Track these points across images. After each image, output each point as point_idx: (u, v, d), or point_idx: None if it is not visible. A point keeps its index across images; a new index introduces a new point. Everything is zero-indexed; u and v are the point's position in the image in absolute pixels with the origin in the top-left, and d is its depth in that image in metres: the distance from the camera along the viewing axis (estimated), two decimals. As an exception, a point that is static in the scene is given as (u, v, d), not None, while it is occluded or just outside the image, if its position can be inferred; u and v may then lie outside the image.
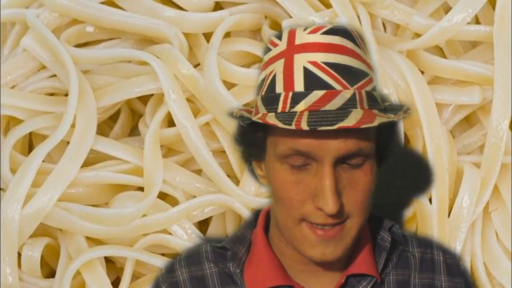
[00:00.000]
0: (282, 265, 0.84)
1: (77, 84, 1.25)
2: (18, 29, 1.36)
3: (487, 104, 1.33)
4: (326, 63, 0.74)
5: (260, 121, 0.74)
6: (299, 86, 0.73)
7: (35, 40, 1.31)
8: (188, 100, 1.29)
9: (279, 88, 0.75)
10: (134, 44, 1.37)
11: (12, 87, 1.33)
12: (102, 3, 1.32)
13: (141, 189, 1.30)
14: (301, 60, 0.74)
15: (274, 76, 0.76)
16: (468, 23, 1.31)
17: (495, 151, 1.29)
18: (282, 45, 0.77)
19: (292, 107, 0.73)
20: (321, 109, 0.72)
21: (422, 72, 1.34)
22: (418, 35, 1.34)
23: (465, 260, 1.28)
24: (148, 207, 1.25)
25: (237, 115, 0.80)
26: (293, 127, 0.70)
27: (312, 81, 0.73)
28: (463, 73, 1.33)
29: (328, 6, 1.32)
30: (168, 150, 1.34)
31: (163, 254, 1.28)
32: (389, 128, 0.81)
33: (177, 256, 0.91)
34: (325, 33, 0.75)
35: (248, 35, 1.38)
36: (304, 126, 0.69)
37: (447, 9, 1.35)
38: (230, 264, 0.86)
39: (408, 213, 1.29)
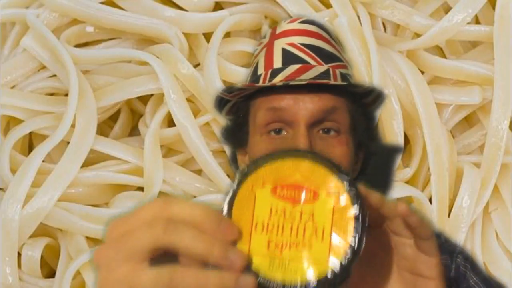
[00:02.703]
0: None
1: (77, 84, 1.25)
2: (18, 29, 1.36)
3: (487, 104, 1.33)
4: (303, 44, 0.78)
5: (242, 86, 0.79)
6: (277, 64, 0.78)
7: (35, 40, 1.31)
8: (188, 100, 1.29)
9: (260, 70, 0.79)
10: (134, 44, 1.37)
11: (12, 87, 1.33)
12: (102, 3, 1.32)
13: (141, 189, 1.30)
14: (280, 44, 0.79)
15: (257, 63, 0.81)
16: (468, 23, 1.31)
17: (495, 151, 1.29)
18: (266, 40, 0.83)
19: (270, 80, 0.77)
20: (296, 79, 0.75)
21: (422, 72, 1.34)
22: (418, 35, 1.34)
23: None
24: (148, 207, 1.25)
25: (221, 94, 0.82)
26: (267, 83, 0.75)
27: (289, 58, 0.77)
28: (463, 73, 1.33)
29: (328, 6, 1.32)
30: (168, 150, 1.34)
31: (163, 254, 1.28)
32: (364, 116, 0.82)
33: None
34: (303, 22, 0.81)
35: (248, 35, 1.38)
36: (278, 79, 0.74)
37: (447, 9, 1.35)
38: None
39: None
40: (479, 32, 1.34)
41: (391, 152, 1.26)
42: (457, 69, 1.34)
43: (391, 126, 1.29)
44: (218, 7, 1.37)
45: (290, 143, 0.75)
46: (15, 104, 1.30)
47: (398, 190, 1.28)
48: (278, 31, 0.81)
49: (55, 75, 1.34)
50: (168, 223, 0.43)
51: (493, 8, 1.32)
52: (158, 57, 1.30)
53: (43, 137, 1.30)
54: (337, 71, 0.77)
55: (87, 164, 1.28)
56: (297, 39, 0.79)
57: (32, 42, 1.31)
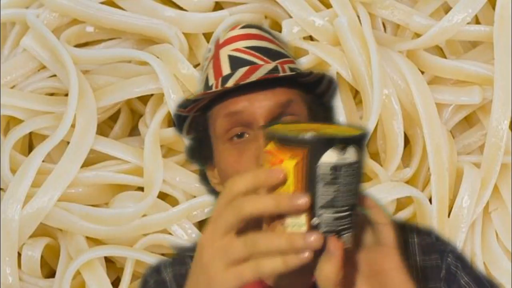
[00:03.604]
0: None
1: (77, 84, 1.25)
2: (18, 29, 1.36)
3: (487, 104, 1.33)
4: (247, 47, 0.79)
5: (195, 97, 0.78)
6: (226, 71, 0.78)
7: (35, 40, 1.31)
8: (188, 100, 1.29)
9: (211, 81, 0.79)
10: (134, 44, 1.37)
11: (12, 87, 1.33)
12: (102, 3, 1.32)
13: (141, 189, 1.30)
14: (226, 51, 0.79)
15: (207, 76, 0.81)
16: (468, 23, 1.31)
17: (495, 151, 1.30)
18: (211, 53, 0.83)
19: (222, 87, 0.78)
20: (246, 81, 0.76)
21: (422, 72, 1.34)
22: (418, 35, 1.34)
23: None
24: (148, 207, 1.25)
25: (176, 113, 0.82)
26: (220, 88, 0.75)
27: (236, 63, 0.78)
28: (463, 73, 1.33)
29: (328, 6, 1.32)
30: (168, 150, 1.34)
31: (163, 254, 1.28)
32: (321, 106, 0.83)
33: (162, 260, 0.91)
34: (244, 27, 0.82)
35: (248, 35, 1.38)
36: (230, 84, 0.74)
37: (447, 9, 1.35)
38: None
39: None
40: (479, 32, 1.34)
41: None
42: (457, 69, 1.34)
43: (391, 126, 1.29)
44: (218, 7, 1.37)
45: (253, 144, 0.74)
46: (15, 104, 1.30)
47: (398, 190, 1.28)
48: (221, 40, 0.81)
49: (55, 75, 1.34)
50: (237, 203, 0.54)
51: (493, 8, 1.32)
52: (158, 57, 1.30)
53: (43, 137, 1.30)
54: (286, 66, 0.78)
55: (87, 164, 1.28)
56: (242, 44, 0.79)
57: (32, 42, 1.31)
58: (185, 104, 0.78)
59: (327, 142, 0.53)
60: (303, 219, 0.54)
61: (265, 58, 0.78)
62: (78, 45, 1.35)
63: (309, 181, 0.54)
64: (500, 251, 1.32)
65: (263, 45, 0.79)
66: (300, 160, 0.54)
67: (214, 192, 0.83)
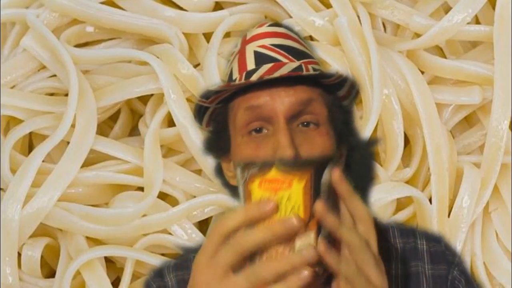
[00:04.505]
0: None
1: (77, 84, 1.25)
2: (18, 29, 1.36)
3: (487, 104, 1.33)
4: (273, 45, 0.81)
5: (218, 88, 0.79)
6: (250, 66, 0.79)
7: (35, 40, 1.31)
8: (188, 100, 1.29)
9: (235, 74, 0.81)
10: (134, 44, 1.37)
11: (12, 87, 1.33)
12: (102, 3, 1.32)
13: (141, 189, 1.30)
14: (252, 47, 0.81)
15: (231, 70, 0.82)
16: (468, 23, 1.31)
17: (495, 151, 1.30)
18: (237, 48, 0.84)
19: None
20: (270, 76, 0.77)
21: (422, 72, 1.34)
22: (418, 35, 1.35)
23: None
24: (148, 207, 1.25)
25: (198, 103, 0.83)
26: (243, 82, 0.76)
27: (261, 59, 0.79)
28: (463, 73, 1.33)
29: (328, 6, 1.33)
30: (168, 150, 1.34)
31: (163, 254, 1.28)
32: (341, 108, 0.83)
33: (166, 263, 0.91)
34: (272, 25, 0.84)
35: (248, 35, 1.38)
36: (253, 79, 0.76)
37: (447, 9, 1.35)
38: None
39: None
40: (479, 32, 1.34)
41: (368, 145, 1.26)
42: (457, 69, 1.34)
43: (391, 126, 1.29)
44: (218, 7, 1.37)
45: (272, 140, 0.75)
46: (15, 104, 1.30)
47: (398, 190, 1.28)
48: (248, 36, 0.83)
49: (55, 75, 1.34)
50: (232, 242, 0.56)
51: (493, 8, 1.32)
52: (158, 57, 1.30)
53: (43, 137, 1.30)
54: (310, 66, 0.79)
55: (87, 164, 1.28)
56: (268, 41, 0.81)
57: (32, 42, 1.31)
58: (208, 95, 0.79)
59: (326, 162, 0.59)
60: (311, 237, 0.56)
61: (289, 57, 0.79)
62: (78, 45, 1.35)
63: (316, 199, 0.57)
64: (500, 251, 1.32)
65: (289, 44, 0.81)
66: (308, 180, 0.57)
67: (228, 186, 0.84)
